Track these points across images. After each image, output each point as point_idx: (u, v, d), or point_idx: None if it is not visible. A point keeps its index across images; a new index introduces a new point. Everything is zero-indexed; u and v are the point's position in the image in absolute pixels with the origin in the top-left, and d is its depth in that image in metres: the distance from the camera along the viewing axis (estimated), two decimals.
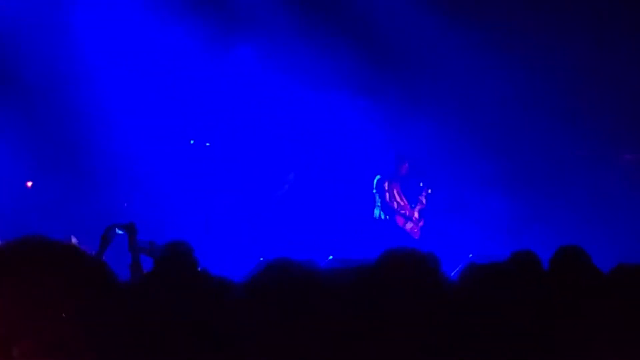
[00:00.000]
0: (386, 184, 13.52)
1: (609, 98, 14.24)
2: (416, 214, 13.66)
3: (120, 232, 6.94)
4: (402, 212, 13.58)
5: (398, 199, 13.60)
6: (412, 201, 13.71)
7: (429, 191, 13.78)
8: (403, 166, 13.62)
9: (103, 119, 13.63)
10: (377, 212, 13.56)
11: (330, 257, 11.79)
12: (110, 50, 13.76)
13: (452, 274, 10.59)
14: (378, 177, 13.59)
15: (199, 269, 5.88)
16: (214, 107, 14.10)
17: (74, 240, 11.08)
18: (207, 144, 13.77)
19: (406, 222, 13.58)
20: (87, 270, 3.53)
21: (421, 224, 13.69)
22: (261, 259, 11.18)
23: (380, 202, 13.51)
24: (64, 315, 3.35)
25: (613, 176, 14.23)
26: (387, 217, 13.50)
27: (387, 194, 13.51)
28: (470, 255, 12.17)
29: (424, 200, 13.71)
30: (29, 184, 13.66)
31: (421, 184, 13.75)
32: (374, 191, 13.57)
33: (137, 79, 13.85)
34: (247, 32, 14.19)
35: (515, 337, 3.62)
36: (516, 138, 14.65)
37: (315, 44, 14.04)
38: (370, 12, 14.30)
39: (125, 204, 13.49)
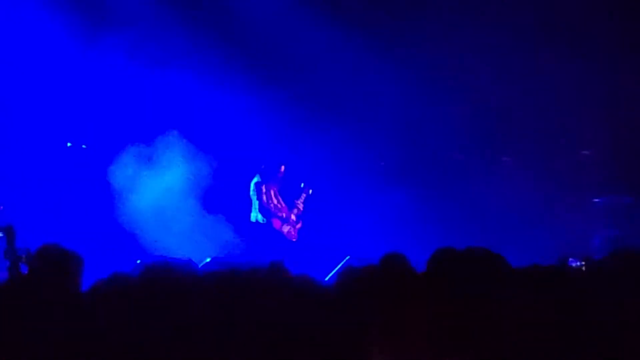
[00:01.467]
0: (263, 187, 13.54)
1: (492, 102, 14.51)
2: (293, 217, 13.71)
3: None
4: (279, 214, 13.61)
5: (275, 201, 13.63)
6: (292, 204, 13.76)
7: (310, 192, 13.86)
8: (280, 168, 13.65)
9: None
10: (254, 214, 13.56)
11: (208, 258, 11.76)
12: None
13: (328, 277, 10.70)
14: (255, 179, 13.59)
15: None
16: (86, 105, 13.83)
17: None
18: (69, 144, 13.56)
19: (283, 225, 13.62)
20: None
21: (299, 226, 13.75)
22: (138, 261, 11.09)
23: (258, 205, 13.51)
24: None
25: (491, 177, 14.51)
26: (264, 219, 13.52)
27: (264, 197, 13.52)
28: (348, 257, 12.26)
29: (300, 206, 13.77)
30: None
31: (302, 185, 13.83)
32: (251, 193, 13.57)
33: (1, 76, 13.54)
34: (120, 26, 13.84)
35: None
36: (402, 141, 14.81)
37: (198, 41, 13.95)
38: (256, 11, 14.29)
39: (2, 207, 13.21)
